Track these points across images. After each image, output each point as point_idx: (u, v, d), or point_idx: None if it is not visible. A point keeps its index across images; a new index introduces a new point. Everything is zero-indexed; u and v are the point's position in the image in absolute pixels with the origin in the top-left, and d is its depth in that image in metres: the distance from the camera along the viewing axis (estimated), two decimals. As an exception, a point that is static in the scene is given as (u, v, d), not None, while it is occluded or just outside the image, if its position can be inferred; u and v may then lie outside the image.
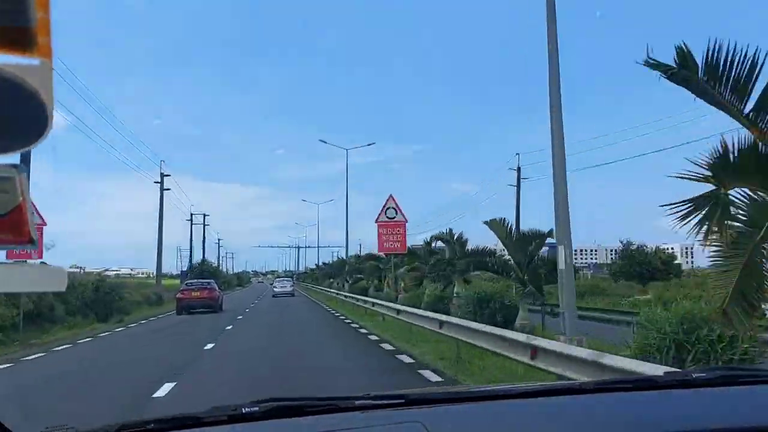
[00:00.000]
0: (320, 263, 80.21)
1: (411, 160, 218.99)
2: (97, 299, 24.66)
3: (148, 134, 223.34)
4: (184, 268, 68.75)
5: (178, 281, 52.33)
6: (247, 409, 1.46)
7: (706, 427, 1.33)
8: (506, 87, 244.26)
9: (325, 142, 43.51)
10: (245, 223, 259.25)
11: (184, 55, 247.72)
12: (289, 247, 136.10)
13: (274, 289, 51.76)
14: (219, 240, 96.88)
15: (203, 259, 62.19)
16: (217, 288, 29.78)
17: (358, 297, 27.01)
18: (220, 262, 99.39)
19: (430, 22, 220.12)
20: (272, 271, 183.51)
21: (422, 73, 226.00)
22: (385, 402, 1.53)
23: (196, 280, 32.42)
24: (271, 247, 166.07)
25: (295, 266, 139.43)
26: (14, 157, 0.72)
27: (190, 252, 61.86)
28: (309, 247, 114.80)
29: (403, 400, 1.53)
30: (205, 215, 65.70)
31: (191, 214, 62.27)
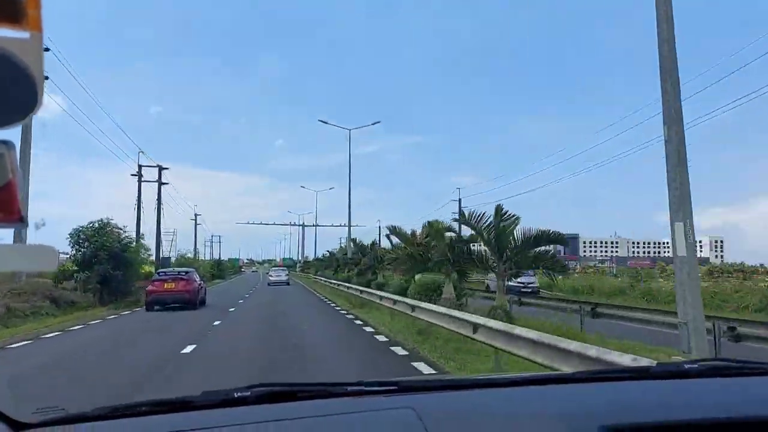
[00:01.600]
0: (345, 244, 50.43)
1: (409, 151, 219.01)
2: None
3: (145, 122, 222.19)
4: (167, 255, 52.17)
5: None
6: (239, 394, 1.46)
7: (698, 417, 1.34)
8: (509, 79, 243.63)
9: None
10: (241, 212, 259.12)
11: (184, 42, 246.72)
12: (289, 224, 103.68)
13: (270, 278, 56.51)
14: (196, 216, 72.44)
15: (100, 223, 28.22)
16: (197, 279, 25.02)
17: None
18: (197, 244, 78.69)
19: (431, 14, 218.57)
20: (269, 260, 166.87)
21: (424, 65, 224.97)
22: (377, 388, 1.53)
23: (170, 269, 27.08)
24: (263, 224, 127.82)
25: (297, 253, 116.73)
26: (3, 134, 0.71)
27: (138, 222, 36.44)
28: (320, 225, 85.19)
29: (395, 387, 1.54)
30: (161, 168, 41.25)
31: (139, 167, 38.52)
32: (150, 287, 23.76)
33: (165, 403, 1.46)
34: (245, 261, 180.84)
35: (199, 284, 25.03)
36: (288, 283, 53.29)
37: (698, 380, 1.65)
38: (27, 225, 0.78)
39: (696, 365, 1.72)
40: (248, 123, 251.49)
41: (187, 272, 25.03)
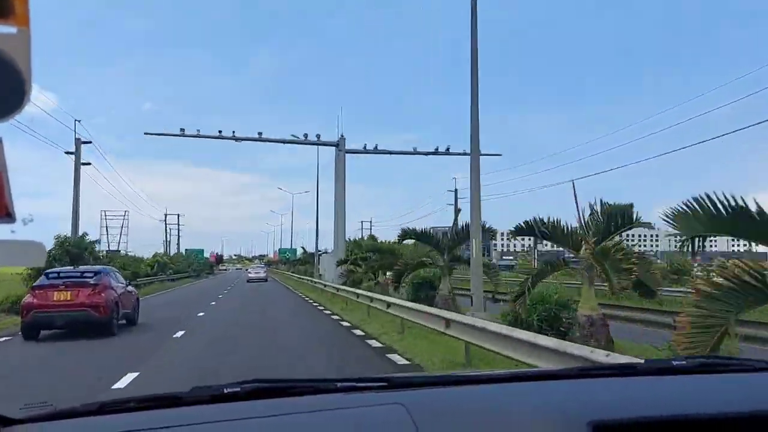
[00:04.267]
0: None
1: (403, 148, 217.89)
2: None
3: (137, 118, 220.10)
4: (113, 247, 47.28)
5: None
6: (229, 390, 1.46)
7: (686, 413, 1.35)
8: (498, 77, 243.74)
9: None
10: (231, 210, 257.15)
11: (176, 38, 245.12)
12: (303, 141, 35.90)
13: (249, 275, 58.24)
14: (78, 144, 28.56)
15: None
16: (115, 283, 15.61)
17: None
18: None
19: (426, 8, 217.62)
20: (261, 255, 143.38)
21: (417, 61, 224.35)
22: (367, 384, 1.53)
23: (68, 269, 16.71)
24: (228, 137, 35.06)
25: (298, 240, 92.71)
26: None
27: None
28: (391, 151, 39.05)
29: (385, 383, 1.54)
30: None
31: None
32: (28, 300, 14.29)
33: (154, 399, 1.45)
34: (233, 257, 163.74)
35: (122, 292, 15.84)
36: (266, 280, 55.43)
37: (686, 377, 1.66)
38: (15, 220, 0.78)
39: (684, 362, 1.74)
40: (241, 119, 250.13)
41: (96, 273, 15.45)
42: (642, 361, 2.21)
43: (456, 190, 51.82)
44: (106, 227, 66.46)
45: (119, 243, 59.07)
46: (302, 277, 50.19)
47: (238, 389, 1.46)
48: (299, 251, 79.96)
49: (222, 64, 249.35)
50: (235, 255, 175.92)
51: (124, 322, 15.66)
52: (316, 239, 50.00)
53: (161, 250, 69.49)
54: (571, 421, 1.28)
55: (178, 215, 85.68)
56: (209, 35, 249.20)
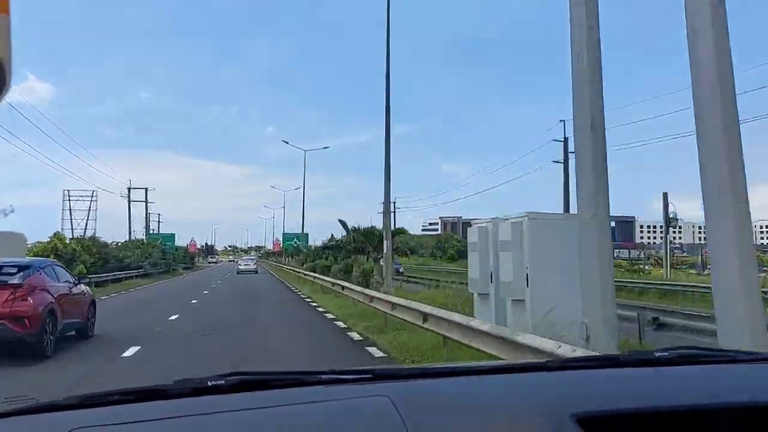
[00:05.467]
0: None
1: (401, 140, 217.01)
2: None
3: (135, 107, 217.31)
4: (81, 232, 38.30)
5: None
6: (212, 382, 1.45)
7: (668, 405, 1.37)
8: (497, 67, 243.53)
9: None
10: (226, 201, 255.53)
11: (174, 26, 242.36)
12: None
13: (239, 266, 58.14)
14: None
15: None
16: (48, 280, 10.87)
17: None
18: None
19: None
20: (259, 246, 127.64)
21: (415, 53, 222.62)
22: (351, 377, 1.53)
23: None
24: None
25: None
26: None
27: None
28: None
29: (370, 375, 1.54)
30: None
31: None
32: None
33: (137, 392, 1.45)
34: (227, 248, 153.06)
35: (63, 295, 11.20)
36: (256, 271, 54.93)
37: (668, 368, 1.67)
38: None
39: (666, 353, 1.75)
40: (238, 111, 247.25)
41: (22, 268, 10.63)
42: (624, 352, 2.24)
43: (566, 139, 34.46)
44: (70, 209, 56.33)
45: (85, 228, 49.99)
46: (373, 294, 14.83)
47: (222, 382, 1.45)
48: (319, 231, 58.55)
49: (219, 54, 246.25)
50: (229, 246, 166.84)
51: (72, 333, 11.72)
52: (387, 181, 20.96)
53: (142, 238, 54.38)
54: (554, 414, 1.28)
55: (146, 189, 59.33)
56: (203, 26, 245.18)
